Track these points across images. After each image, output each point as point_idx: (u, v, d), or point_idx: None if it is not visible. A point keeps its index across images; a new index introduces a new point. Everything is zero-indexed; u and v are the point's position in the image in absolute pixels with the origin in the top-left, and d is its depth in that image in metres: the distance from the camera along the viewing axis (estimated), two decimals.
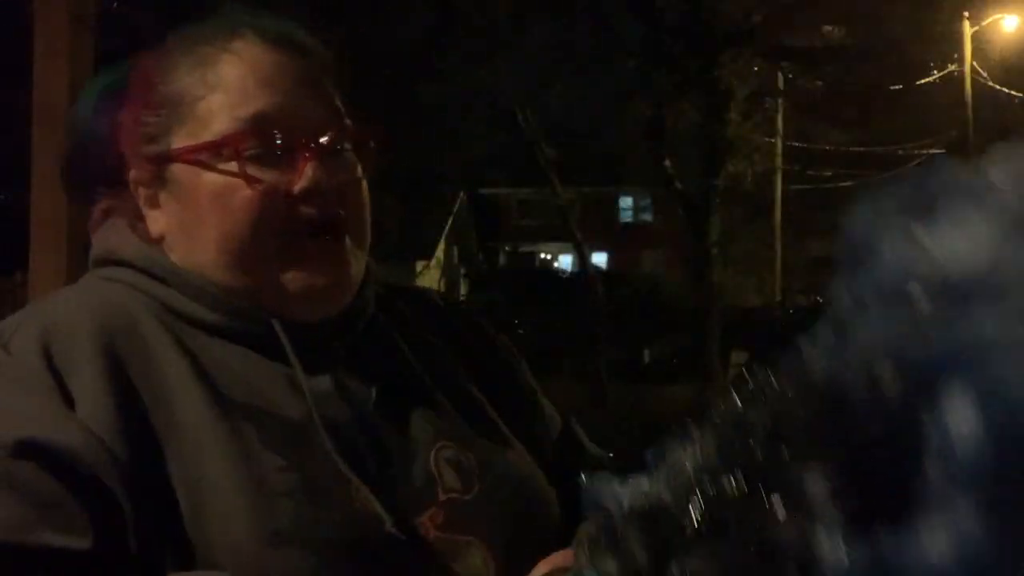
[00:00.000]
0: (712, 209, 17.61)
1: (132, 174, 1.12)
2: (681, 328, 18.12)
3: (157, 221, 1.12)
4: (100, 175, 1.16)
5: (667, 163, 17.72)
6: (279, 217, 1.06)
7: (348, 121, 1.12)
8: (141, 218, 1.13)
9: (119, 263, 1.12)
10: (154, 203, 1.12)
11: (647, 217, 31.95)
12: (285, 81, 1.09)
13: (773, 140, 19.47)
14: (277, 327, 1.06)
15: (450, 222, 23.59)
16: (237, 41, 1.09)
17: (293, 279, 1.07)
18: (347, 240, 1.09)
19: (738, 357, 16.61)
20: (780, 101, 19.21)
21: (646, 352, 19.38)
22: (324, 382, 1.07)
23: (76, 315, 1.04)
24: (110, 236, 1.14)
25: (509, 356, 1.26)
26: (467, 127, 20.93)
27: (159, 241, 1.12)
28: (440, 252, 22.85)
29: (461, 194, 24.36)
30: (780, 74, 18.82)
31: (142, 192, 1.12)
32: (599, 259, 27.46)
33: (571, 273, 26.36)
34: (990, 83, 18.89)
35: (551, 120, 20.11)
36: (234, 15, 1.12)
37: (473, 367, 1.20)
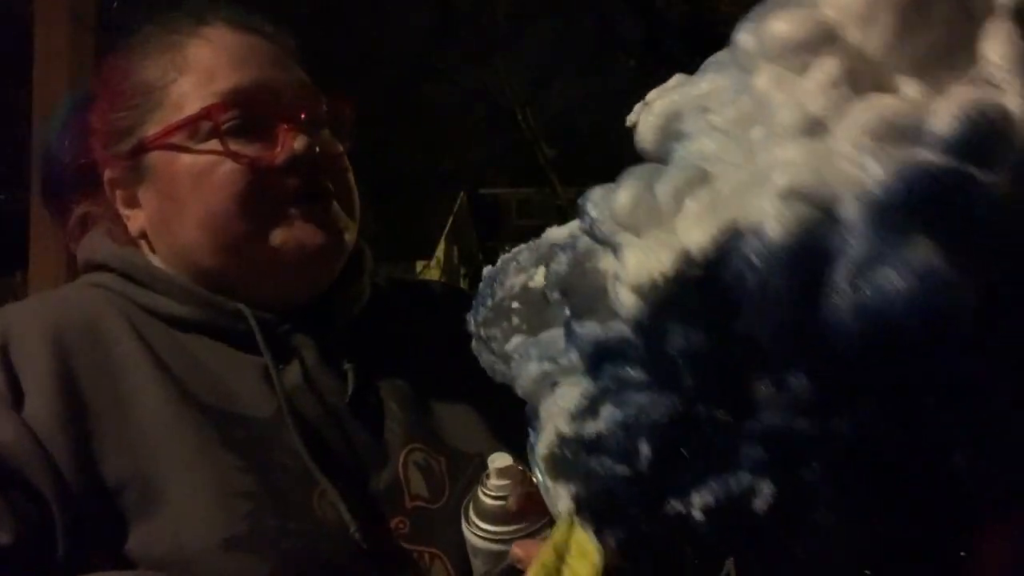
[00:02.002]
0: None
1: (107, 175, 1.10)
2: None
3: (136, 220, 1.10)
4: (75, 184, 1.14)
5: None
6: (264, 190, 1.03)
7: (322, 98, 1.10)
8: (118, 222, 1.11)
9: (99, 267, 1.11)
10: (132, 202, 1.10)
11: None
12: (256, 59, 1.07)
13: None
14: (247, 314, 1.03)
15: (450, 222, 23.58)
16: (204, 27, 1.08)
17: (283, 245, 1.04)
18: (335, 205, 1.07)
19: None
20: None
21: None
22: (296, 375, 1.03)
23: (34, 316, 1.03)
24: (90, 243, 1.13)
25: None
26: (467, 127, 20.92)
27: (140, 239, 1.10)
28: (440, 252, 22.85)
29: (461, 194, 24.35)
30: None
31: (119, 194, 1.10)
32: None
33: None
34: None
35: (551, 120, 20.12)
36: (198, 5, 1.11)
37: (468, 363, 1.15)
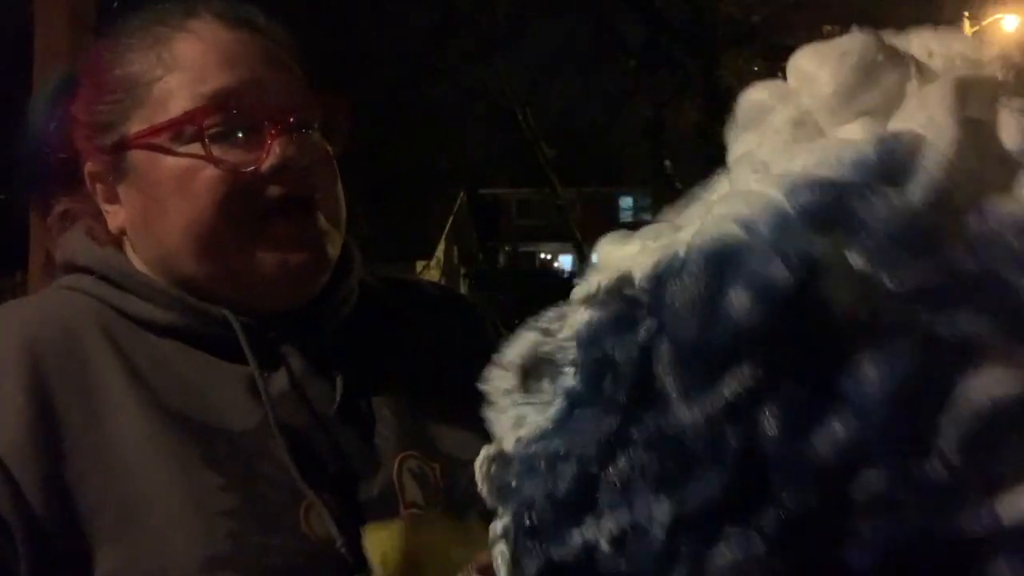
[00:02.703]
0: None
1: (88, 168, 1.06)
2: None
3: (117, 216, 1.06)
4: (56, 176, 1.09)
5: (667, 163, 17.72)
6: (247, 197, 0.99)
7: (315, 99, 1.06)
8: (98, 219, 1.07)
9: (78, 269, 1.07)
10: (113, 198, 1.06)
11: (647, 217, 31.89)
12: (246, 58, 1.02)
13: None
14: (232, 320, 1.00)
15: (450, 222, 23.58)
16: (193, 21, 1.03)
17: (265, 260, 1.00)
18: (320, 218, 1.03)
19: None
20: None
21: None
22: (283, 382, 1.01)
23: (7, 327, 0.99)
24: (69, 243, 1.09)
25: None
26: (467, 127, 20.94)
27: (120, 237, 1.06)
28: (440, 252, 22.84)
29: (461, 194, 24.35)
30: (780, 74, 18.78)
31: (99, 188, 1.06)
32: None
33: (571, 273, 26.36)
34: None
35: (551, 120, 20.13)
36: None
37: (464, 367, 1.11)
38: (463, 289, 23.80)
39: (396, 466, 1.01)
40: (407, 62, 18.11)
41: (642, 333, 0.59)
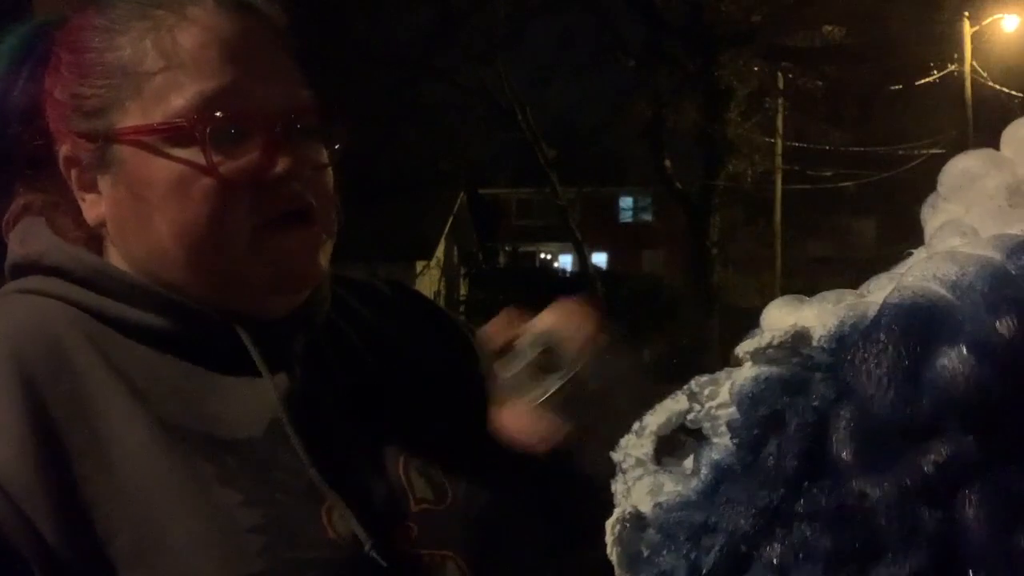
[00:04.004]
0: (712, 209, 17.62)
1: (64, 152, 0.98)
2: (681, 328, 18.12)
3: (95, 206, 0.98)
4: (19, 159, 1.01)
5: (667, 163, 17.72)
6: (246, 209, 0.94)
7: (314, 99, 1.00)
8: (67, 214, 1.00)
9: (45, 271, 0.98)
10: (90, 186, 0.98)
11: (647, 217, 31.90)
12: (248, 52, 0.97)
13: (773, 140, 19.46)
14: (242, 334, 0.96)
15: (450, 222, 23.56)
16: (193, 6, 0.96)
17: (260, 271, 0.96)
18: (317, 228, 0.98)
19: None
20: (780, 101, 19.20)
21: (646, 352, 19.37)
22: (284, 386, 0.97)
23: None
24: (27, 239, 1.00)
25: (467, 344, 1.12)
26: (467, 127, 20.92)
27: (96, 230, 0.99)
28: (440, 252, 22.83)
29: (461, 194, 24.33)
30: (780, 74, 18.81)
31: (75, 174, 0.98)
32: (599, 259, 27.43)
33: (571, 273, 26.35)
34: (990, 83, 18.88)
35: (551, 120, 20.13)
36: None
37: (429, 362, 1.10)
38: (463, 289, 23.80)
39: (402, 462, 1.00)
40: (407, 62, 18.11)
41: (819, 396, 0.54)
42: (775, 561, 0.53)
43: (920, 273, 0.54)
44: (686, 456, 0.61)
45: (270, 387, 0.95)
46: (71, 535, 0.86)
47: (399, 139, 17.73)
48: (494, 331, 1.00)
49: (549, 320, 0.98)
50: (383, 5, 16.34)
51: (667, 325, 18.69)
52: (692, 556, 0.56)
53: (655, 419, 0.62)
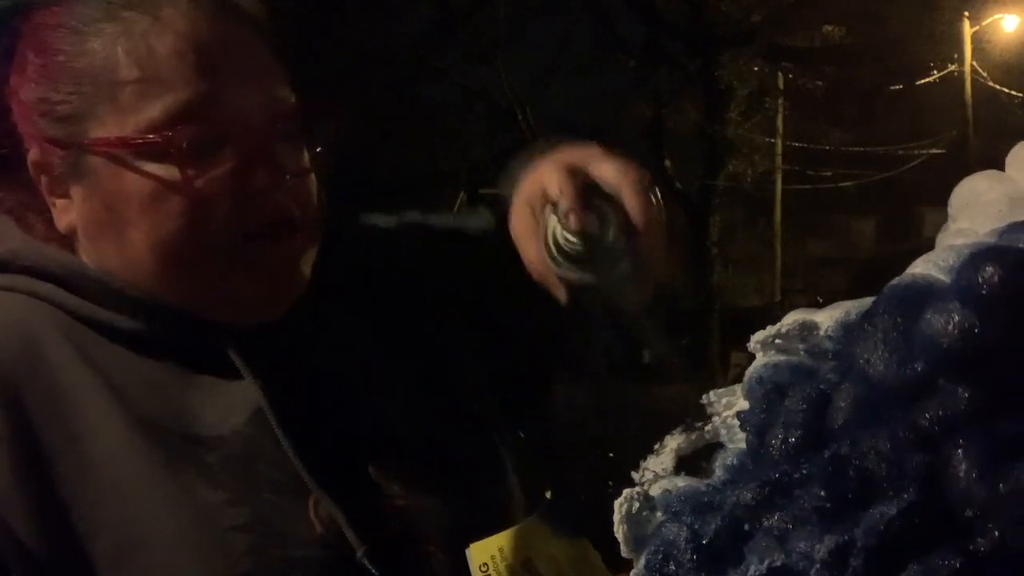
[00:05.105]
0: (712, 209, 17.61)
1: (32, 157, 0.94)
2: (681, 328, 18.11)
3: (67, 212, 0.95)
4: None
5: (667, 163, 17.71)
6: (225, 222, 0.91)
7: (294, 98, 0.96)
8: (39, 214, 0.96)
9: (16, 270, 0.95)
10: (62, 192, 0.95)
11: None
12: (226, 56, 0.92)
13: (773, 140, 19.46)
14: (223, 340, 0.94)
15: None
16: (168, 8, 0.91)
17: (241, 283, 0.93)
18: (300, 238, 0.95)
19: (738, 358, 16.60)
20: (780, 101, 19.20)
21: (646, 352, 19.35)
22: (266, 383, 0.95)
23: None
24: (2, 238, 0.97)
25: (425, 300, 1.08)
26: (467, 127, 20.91)
27: (69, 236, 0.96)
28: None
29: (461, 194, 24.32)
30: (780, 74, 18.81)
31: (45, 180, 0.95)
32: None
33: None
34: (990, 83, 18.88)
35: (551, 120, 20.09)
36: None
37: (390, 328, 1.05)
38: None
39: (378, 458, 0.98)
40: (407, 62, 18.10)
41: (824, 378, 0.57)
42: (775, 529, 0.55)
43: (922, 264, 0.57)
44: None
45: (252, 385, 0.93)
46: (49, 536, 0.85)
47: (399, 139, 17.71)
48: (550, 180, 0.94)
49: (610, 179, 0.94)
50: (383, 5, 16.33)
51: (667, 325, 18.67)
52: (695, 527, 0.58)
53: (674, 440, 0.64)
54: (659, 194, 0.96)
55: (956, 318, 0.52)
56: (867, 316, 0.56)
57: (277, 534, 0.89)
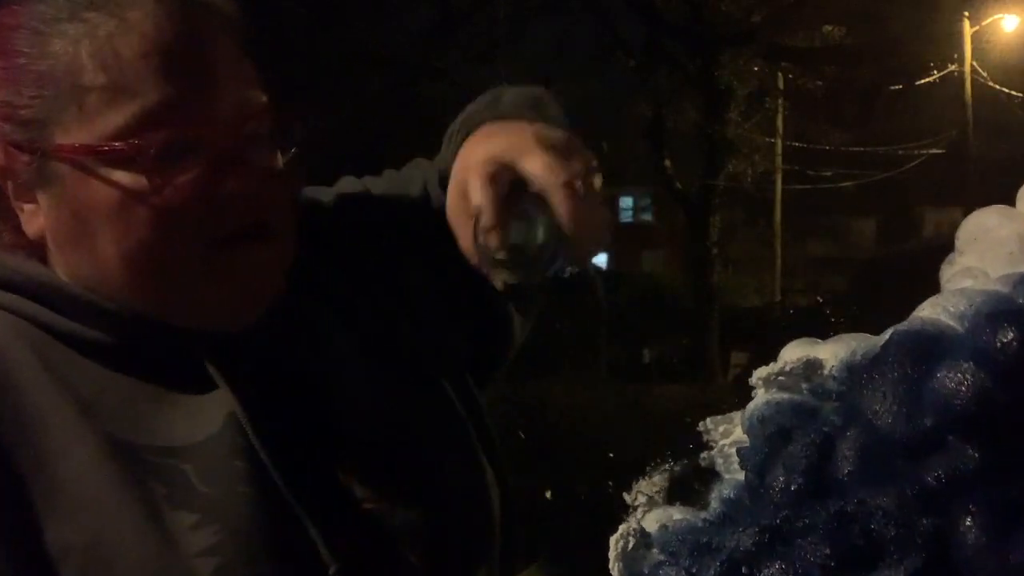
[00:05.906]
0: (712, 209, 17.62)
1: None
2: (681, 328, 18.11)
3: (35, 218, 0.91)
4: None
5: (667, 163, 17.72)
6: (195, 227, 0.88)
7: (265, 98, 0.93)
8: (1, 218, 0.93)
9: None
10: (28, 197, 0.91)
11: (647, 217, 31.91)
12: (195, 60, 0.89)
13: (773, 140, 19.47)
14: (195, 347, 0.92)
15: None
16: (133, 9, 0.88)
17: (214, 293, 0.91)
18: (273, 243, 0.92)
19: (738, 357, 16.61)
20: (780, 101, 19.21)
21: (646, 352, 19.36)
22: (240, 395, 0.92)
23: None
24: None
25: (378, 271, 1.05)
26: None
27: (38, 242, 0.92)
28: None
29: None
30: (780, 74, 18.82)
31: (10, 186, 0.91)
32: (599, 259, 27.33)
33: (570, 272, 26.32)
34: (990, 83, 18.89)
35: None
36: None
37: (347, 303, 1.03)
38: None
39: (341, 464, 0.96)
40: (407, 62, 18.10)
41: (828, 422, 0.56)
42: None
43: (930, 307, 0.56)
44: (700, 502, 0.62)
45: (227, 396, 0.90)
46: (17, 558, 0.83)
47: (399, 139, 17.71)
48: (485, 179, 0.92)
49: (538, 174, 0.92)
50: (383, 5, 16.34)
51: (667, 325, 18.69)
52: (693, 570, 0.57)
53: (668, 465, 0.63)
54: (597, 164, 0.94)
55: (970, 379, 0.51)
56: (875, 363, 0.55)
57: (246, 554, 0.87)
